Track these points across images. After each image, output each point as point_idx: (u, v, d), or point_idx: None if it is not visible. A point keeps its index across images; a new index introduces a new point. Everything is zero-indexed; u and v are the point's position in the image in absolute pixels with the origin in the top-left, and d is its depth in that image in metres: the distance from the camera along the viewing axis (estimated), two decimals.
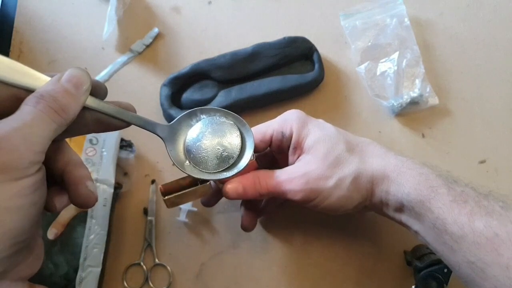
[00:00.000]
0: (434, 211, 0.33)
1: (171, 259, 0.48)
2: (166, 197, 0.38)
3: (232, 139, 0.36)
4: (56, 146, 0.30)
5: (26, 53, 0.55)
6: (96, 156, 0.46)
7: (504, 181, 0.50)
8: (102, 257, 0.44)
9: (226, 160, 0.36)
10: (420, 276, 0.42)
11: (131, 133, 0.49)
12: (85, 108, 0.29)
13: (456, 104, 0.52)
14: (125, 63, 0.54)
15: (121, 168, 0.50)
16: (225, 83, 0.51)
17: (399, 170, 0.36)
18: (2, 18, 0.57)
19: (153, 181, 0.50)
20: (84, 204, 0.30)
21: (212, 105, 0.50)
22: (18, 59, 0.55)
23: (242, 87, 0.51)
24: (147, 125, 0.33)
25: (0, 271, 0.25)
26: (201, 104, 0.50)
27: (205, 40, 0.55)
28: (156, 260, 0.47)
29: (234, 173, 0.36)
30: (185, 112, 0.36)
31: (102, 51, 0.55)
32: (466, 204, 0.33)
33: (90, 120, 0.30)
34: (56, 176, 0.30)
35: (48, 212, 0.30)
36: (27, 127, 0.25)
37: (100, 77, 0.54)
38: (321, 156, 0.38)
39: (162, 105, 0.50)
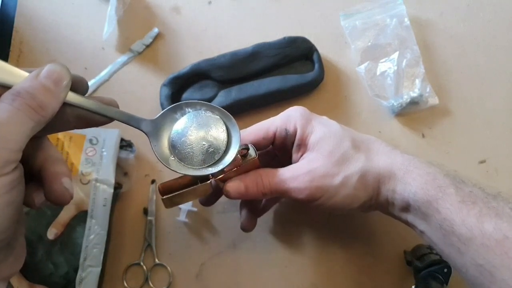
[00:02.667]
0: (441, 211, 0.33)
1: (171, 259, 0.48)
2: (164, 196, 0.37)
3: (218, 134, 0.35)
4: (36, 142, 0.29)
5: (26, 53, 0.55)
6: (96, 156, 0.46)
7: (504, 181, 0.50)
8: (102, 257, 0.44)
9: (212, 156, 0.35)
10: (420, 276, 0.42)
11: (131, 133, 0.49)
12: (65, 104, 0.28)
13: (456, 104, 0.52)
14: (125, 63, 0.54)
15: (121, 168, 0.49)
16: (225, 83, 0.51)
17: (405, 168, 0.36)
18: (2, 18, 0.57)
19: (153, 181, 0.50)
20: (58, 201, 0.29)
21: None
22: (18, 59, 0.55)
23: (242, 87, 0.50)
24: (130, 120, 0.32)
25: None
26: None
27: (205, 40, 0.55)
28: (156, 260, 0.47)
29: (219, 169, 0.35)
30: (170, 106, 0.35)
31: (102, 51, 0.55)
32: (475, 205, 0.32)
33: (71, 116, 0.29)
34: (35, 172, 0.29)
35: (27, 207, 0.29)
36: (3, 125, 0.24)
37: (100, 77, 0.54)
38: (326, 153, 0.37)
39: (162, 105, 0.50)
